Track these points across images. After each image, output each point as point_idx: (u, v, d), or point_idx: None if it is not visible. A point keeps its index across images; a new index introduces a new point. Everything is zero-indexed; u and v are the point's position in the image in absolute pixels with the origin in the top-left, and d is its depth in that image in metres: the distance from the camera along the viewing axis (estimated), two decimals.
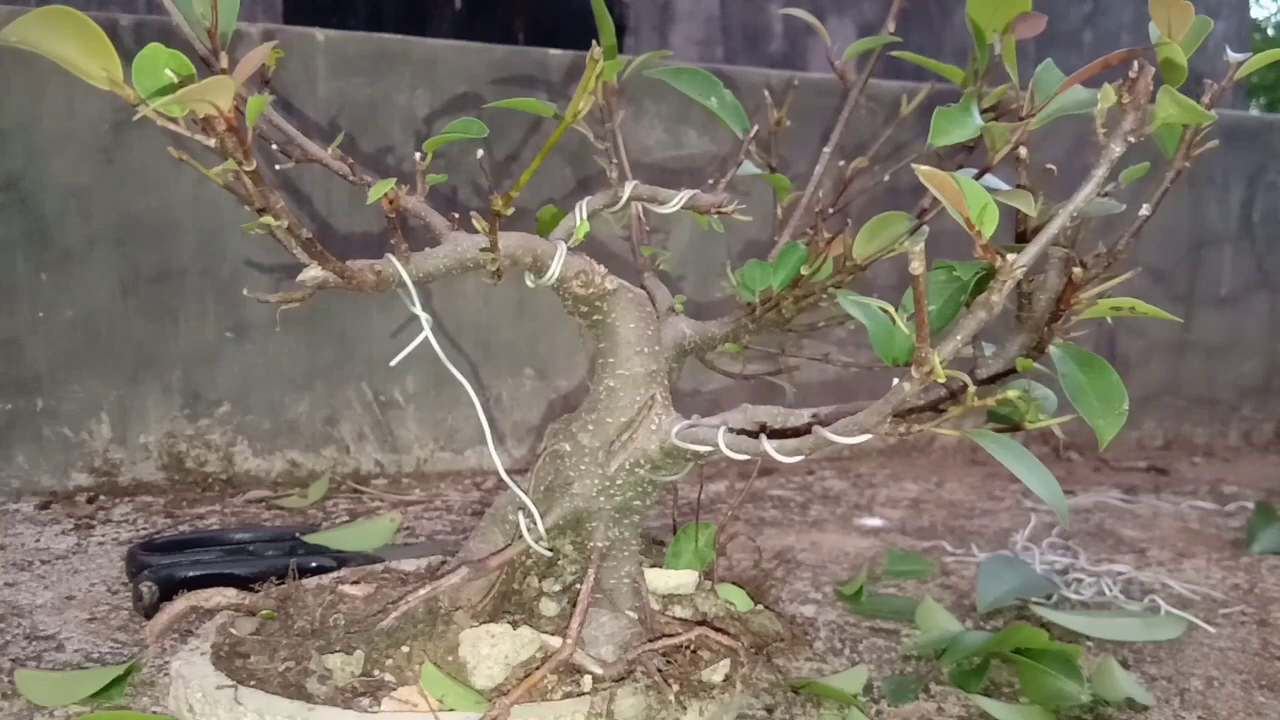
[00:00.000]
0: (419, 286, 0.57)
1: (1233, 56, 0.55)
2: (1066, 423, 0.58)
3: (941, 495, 1.34)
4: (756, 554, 0.99)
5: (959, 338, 0.48)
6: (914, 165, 0.46)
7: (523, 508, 0.65)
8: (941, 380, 0.47)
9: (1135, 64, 0.49)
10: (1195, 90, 0.53)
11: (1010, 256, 0.47)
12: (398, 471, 1.34)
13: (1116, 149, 0.49)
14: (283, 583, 0.68)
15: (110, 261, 1.20)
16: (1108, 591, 0.92)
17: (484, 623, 0.62)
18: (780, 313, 0.72)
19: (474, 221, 0.55)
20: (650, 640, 0.62)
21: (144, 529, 1.07)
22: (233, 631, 0.64)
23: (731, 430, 0.59)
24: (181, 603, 0.65)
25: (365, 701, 0.54)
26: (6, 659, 0.71)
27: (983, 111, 0.67)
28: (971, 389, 0.50)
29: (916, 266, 0.44)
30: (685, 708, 0.57)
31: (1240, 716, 0.67)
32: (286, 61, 1.19)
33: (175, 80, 0.45)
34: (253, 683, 0.56)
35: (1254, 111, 5.72)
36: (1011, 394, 0.51)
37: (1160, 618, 0.84)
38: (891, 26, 0.75)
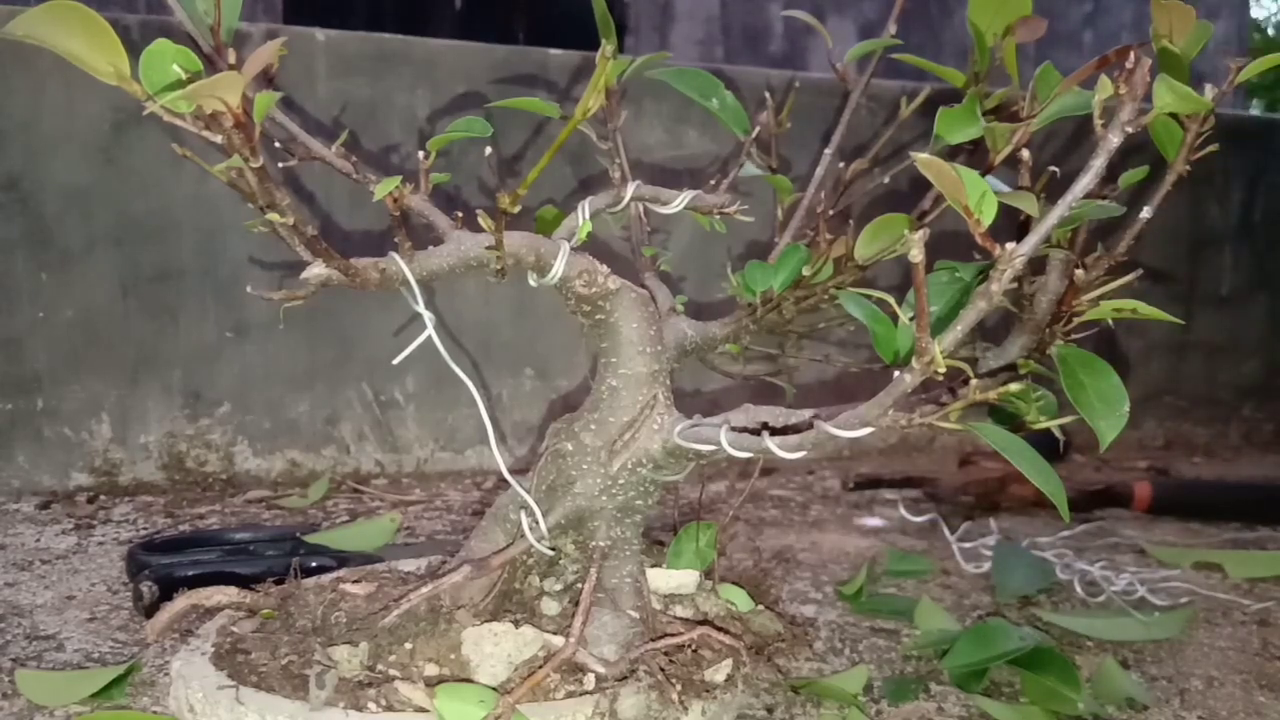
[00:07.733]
0: (422, 285, 0.57)
1: (1233, 60, 0.55)
2: (1067, 424, 0.58)
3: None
4: (756, 554, 0.99)
5: (959, 328, 0.48)
6: (912, 154, 0.47)
7: (525, 506, 0.65)
8: (942, 370, 0.47)
9: (1132, 55, 0.49)
10: (1195, 91, 0.53)
11: (1010, 245, 0.47)
12: (398, 471, 1.34)
13: (1115, 139, 0.49)
14: (283, 583, 0.68)
15: (110, 261, 1.20)
16: (1108, 591, 0.92)
17: (485, 621, 0.62)
18: (781, 313, 0.72)
19: (480, 220, 0.55)
20: (652, 640, 0.62)
21: (144, 529, 1.07)
22: (234, 631, 0.64)
23: (734, 429, 0.59)
24: (182, 601, 0.65)
25: (372, 691, 0.54)
26: (7, 659, 0.71)
27: (984, 113, 0.67)
28: (974, 382, 0.50)
29: (916, 255, 0.44)
30: (687, 707, 0.57)
31: (1240, 716, 0.67)
32: (286, 61, 1.19)
33: (183, 76, 0.45)
34: (254, 679, 0.56)
35: (1254, 111, 5.73)
36: (1014, 387, 0.51)
37: (1160, 618, 0.84)
38: (893, 29, 0.75)
